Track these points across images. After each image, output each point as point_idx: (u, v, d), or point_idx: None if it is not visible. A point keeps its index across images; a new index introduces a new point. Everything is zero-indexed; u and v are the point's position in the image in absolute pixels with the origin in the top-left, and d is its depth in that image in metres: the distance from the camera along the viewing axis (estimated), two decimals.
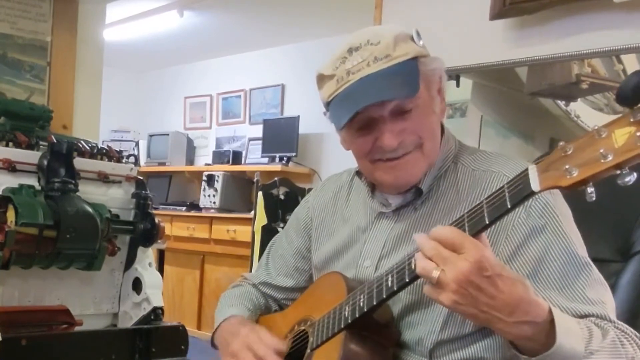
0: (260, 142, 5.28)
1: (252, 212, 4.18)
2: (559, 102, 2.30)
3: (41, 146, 1.86)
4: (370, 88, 1.08)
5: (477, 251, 0.86)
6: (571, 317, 0.97)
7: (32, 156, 1.82)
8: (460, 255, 0.86)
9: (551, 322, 0.90)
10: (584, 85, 2.21)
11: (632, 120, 0.74)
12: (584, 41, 2.14)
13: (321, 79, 1.16)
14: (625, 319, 1.05)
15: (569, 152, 0.79)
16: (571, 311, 1.00)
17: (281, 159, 5.03)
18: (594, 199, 0.77)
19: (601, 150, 0.75)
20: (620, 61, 2.12)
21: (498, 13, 2.28)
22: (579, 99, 2.25)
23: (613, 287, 1.22)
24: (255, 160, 5.37)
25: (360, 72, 1.09)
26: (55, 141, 1.84)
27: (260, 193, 4.05)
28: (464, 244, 0.86)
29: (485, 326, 0.94)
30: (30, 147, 1.85)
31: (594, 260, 1.06)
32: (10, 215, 1.68)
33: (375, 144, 1.12)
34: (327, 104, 1.16)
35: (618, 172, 0.75)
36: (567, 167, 0.78)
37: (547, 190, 1.04)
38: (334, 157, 4.79)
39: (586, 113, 2.23)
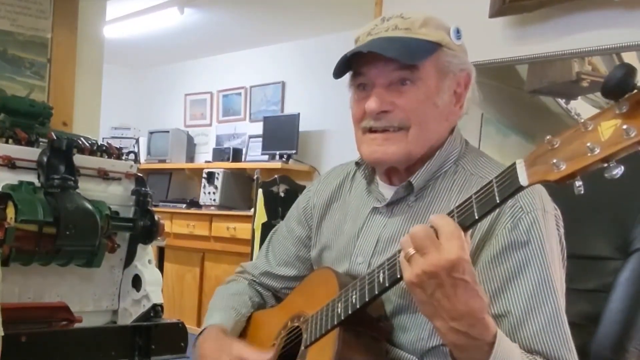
0: (261, 139, 5.28)
1: (252, 209, 4.18)
2: (559, 100, 2.30)
3: (41, 143, 1.86)
4: (372, 45, 1.10)
5: (459, 252, 0.86)
6: (516, 350, 0.95)
7: (32, 153, 1.82)
8: (442, 247, 0.86)
9: (491, 346, 0.89)
10: (585, 83, 2.21)
11: (617, 112, 0.74)
12: (584, 39, 2.14)
13: (354, 42, 1.19)
14: (623, 317, 1.05)
15: (556, 146, 0.79)
16: (520, 338, 0.98)
17: (281, 156, 5.03)
18: (582, 192, 0.76)
19: (588, 144, 0.75)
20: (620, 59, 2.12)
21: (497, 11, 2.28)
22: (579, 97, 2.25)
23: (612, 285, 1.22)
24: (255, 158, 5.37)
25: (376, 35, 1.12)
26: (55, 138, 1.83)
27: (260, 190, 4.05)
28: (453, 241, 0.86)
29: (425, 317, 0.94)
30: (30, 143, 1.85)
31: (593, 257, 1.05)
32: (10, 212, 1.68)
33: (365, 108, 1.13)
34: None
35: (605, 165, 0.75)
36: (554, 161, 0.78)
37: (541, 200, 1.04)
38: (334, 155, 4.79)
39: (586, 111, 2.23)
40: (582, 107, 2.25)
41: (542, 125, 2.38)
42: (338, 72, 1.14)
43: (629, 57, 2.09)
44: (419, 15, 1.12)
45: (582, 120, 0.77)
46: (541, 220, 1.03)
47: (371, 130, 1.13)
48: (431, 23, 1.12)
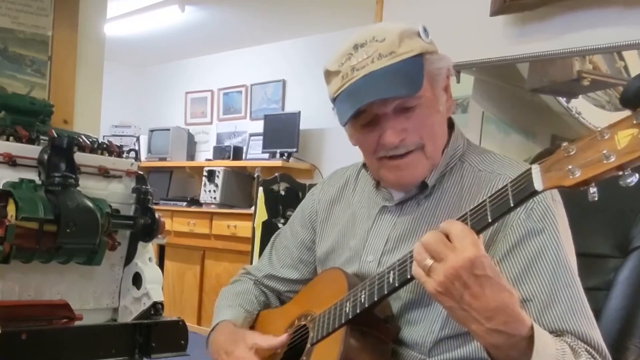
0: (261, 137, 5.28)
1: (253, 207, 4.19)
2: (560, 98, 2.30)
3: (42, 141, 1.86)
4: (372, 85, 1.08)
5: (474, 249, 0.86)
6: (549, 337, 0.96)
7: (32, 150, 1.82)
8: (457, 248, 0.86)
9: (529, 339, 0.90)
10: (586, 82, 2.21)
11: (635, 122, 0.75)
12: (585, 37, 2.13)
13: (328, 75, 1.17)
14: (622, 314, 1.05)
15: (572, 153, 0.80)
16: (548, 321, 1.00)
17: (282, 154, 5.03)
18: (596, 199, 0.77)
19: (604, 152, 0.76)
20: (622, 58, 2.12)
21: (498, 9, 2.28)
22: (580, 96, 2.25)
23: (611, 283, 1.22)
24: (256, 156, 5.37)
25: (365, 69, 1.10)
26: (55, 136, 1.83)
27: (260, 189, 4.05)
28: (465, 240, 0.87)
29: (460, 324, 0.94)
30: (30, 141, 1.85)
31: (593, 255, 1.06)
32: (11, 209, 1.68)
33: (379, 141, 1.12)
34: (334, 100, 1.17)
35: (620, 173, 0.76)
36: (570, 167, 0.79)
37: (549, 190, 1.05)
38: (335, 153, 4.79)
39: (587, 110, 2.23)
40: (583, 106, 2.24)
41: (543, 123, 2.38)
42: (347, 120, 1.11)
43: (630, 56, 2.09)
44: (392, 33, 1.10)
45: (600, 129, 0.78)
46: (552, 207, 1.06)
47: (389, 157, 1.14)
48: (406, 35, 1.10)
